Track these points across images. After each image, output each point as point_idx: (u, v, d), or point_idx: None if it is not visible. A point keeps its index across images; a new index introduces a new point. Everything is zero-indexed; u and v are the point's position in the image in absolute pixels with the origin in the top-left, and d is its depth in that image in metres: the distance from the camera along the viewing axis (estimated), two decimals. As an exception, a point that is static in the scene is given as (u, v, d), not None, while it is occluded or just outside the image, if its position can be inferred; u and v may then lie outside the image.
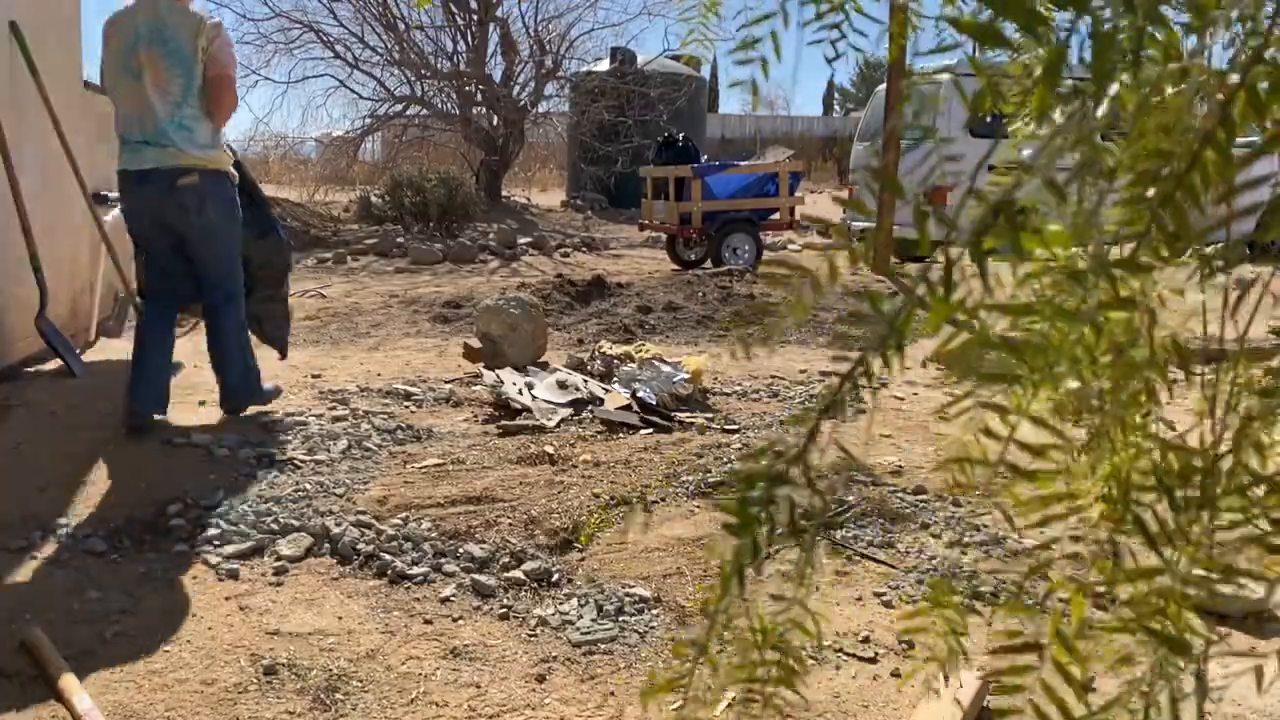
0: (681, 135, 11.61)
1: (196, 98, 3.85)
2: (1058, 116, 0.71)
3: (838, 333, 0.76)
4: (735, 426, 4.21)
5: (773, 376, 5.29)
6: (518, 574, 2.74)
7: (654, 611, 2.56)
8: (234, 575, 2.72)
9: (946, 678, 1.06)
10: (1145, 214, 0.70)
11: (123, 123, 3.92)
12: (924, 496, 3.37)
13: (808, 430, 0.76)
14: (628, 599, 2.61)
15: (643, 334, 6.60)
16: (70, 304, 5.69)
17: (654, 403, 4.40)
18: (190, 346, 6.14)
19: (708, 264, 9.96)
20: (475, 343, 5.35)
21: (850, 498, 3.28)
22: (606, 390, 4.57)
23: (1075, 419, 0.83)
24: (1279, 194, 0.75)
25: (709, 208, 10.14)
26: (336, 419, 4.22)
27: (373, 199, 14.88)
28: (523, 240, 13.04)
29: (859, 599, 2.65)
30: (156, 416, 4.00)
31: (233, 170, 4.09)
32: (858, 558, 2.90)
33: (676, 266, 10.32)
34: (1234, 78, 0.69)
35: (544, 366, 5.11)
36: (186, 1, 3.90)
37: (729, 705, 0.88)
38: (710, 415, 4.39)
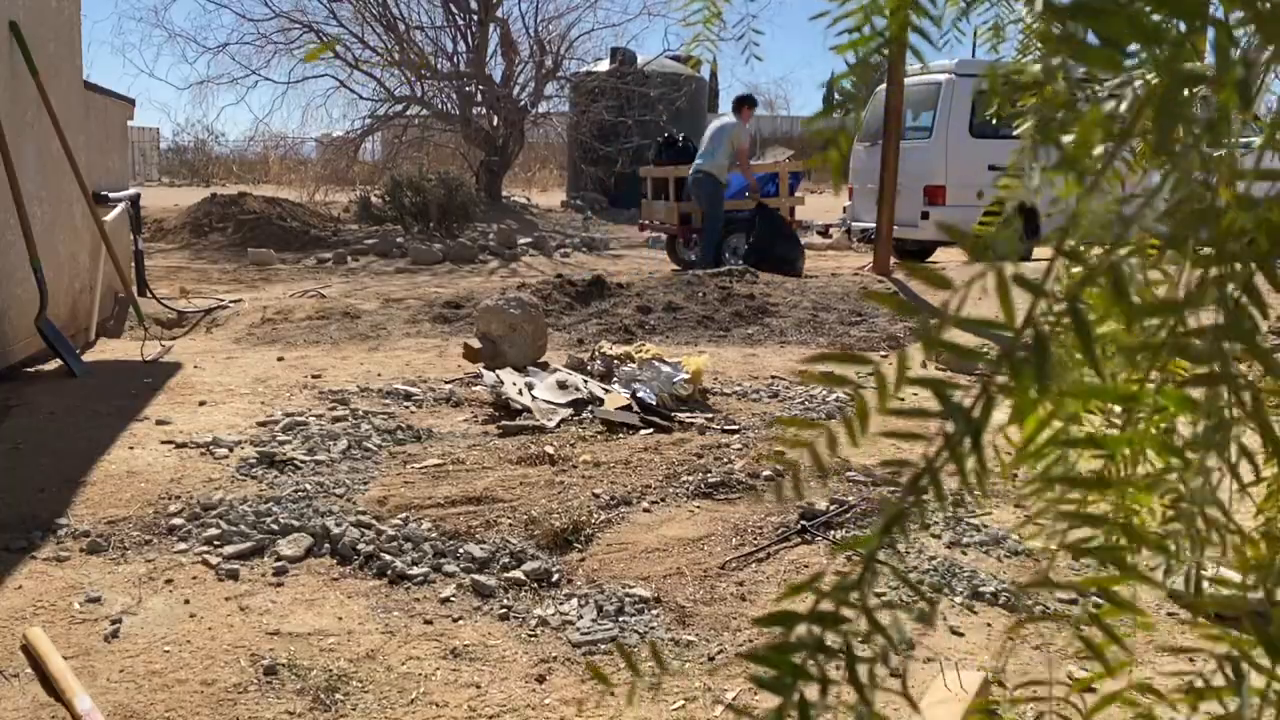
0: (681, 135, 11.61)
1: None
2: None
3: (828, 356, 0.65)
4: (735, 426, 4.21)
5: (773, 376, 5.29)
6: (518, 574, 2.74)
7: (654, 611, 2.56)
8: (234, 575, 2.72)
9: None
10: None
11: None
12: (924, 497, 3.37)
13: (866, 556, 0.60)
14: (628, 599, 2.61)
15: (643, 334, 6.59)
16: (70, 304, 5.69)
17: (654, 403, 4.40)
18: (192, 347, 6.15)
19: (708, 264, 9.96)
20: (475, 343, 5.34)
21: (850, 498, 3.29)
22: (606, 390, 4.56)
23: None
24: None
25: (709, 208, 10.13)
26: (336, 419, 4.22)
27: (373, 199, 14.88)
28: (523, 240, 13.04)
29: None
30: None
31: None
32: (857, 558, 2.89)
33: (676, 266, 10.32)
34: None
35: (544, 367, 5.11)
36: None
37: (728, 706, 0.84)
38: (710, 415, 4.39)
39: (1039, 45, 0.57)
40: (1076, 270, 0.58)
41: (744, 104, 9.91)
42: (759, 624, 0.58)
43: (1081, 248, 0.58)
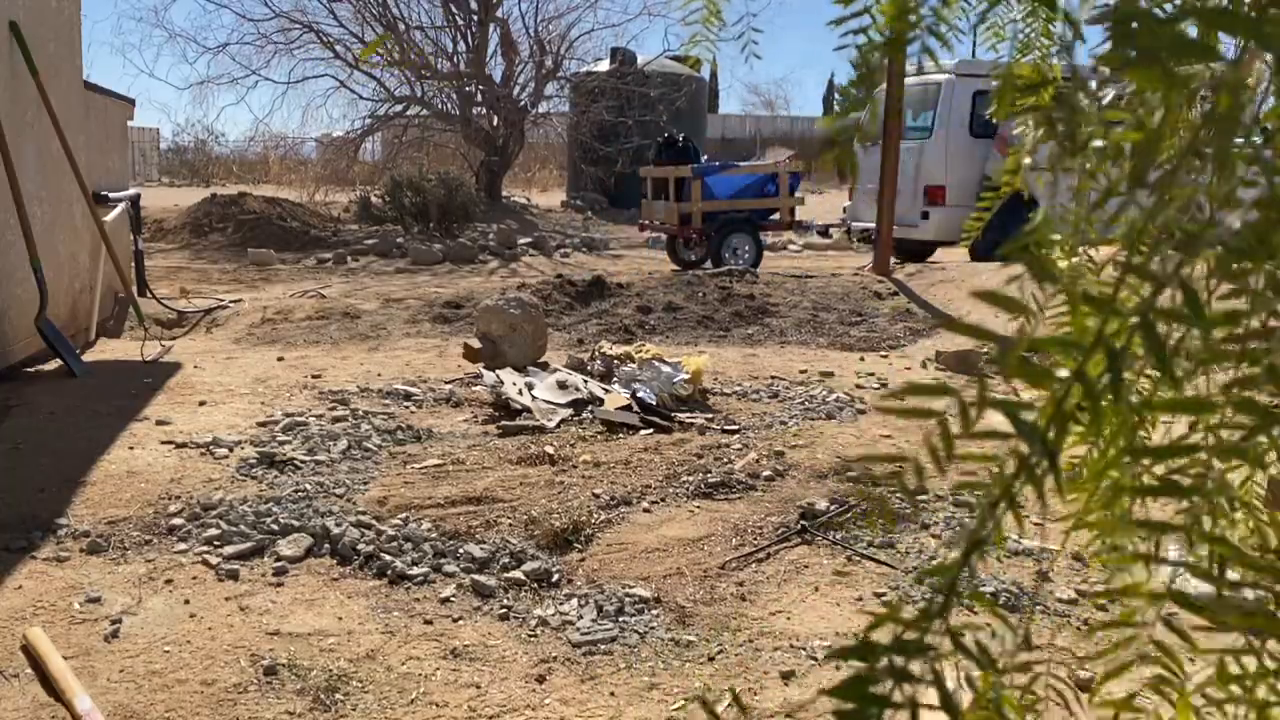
0: (681, 135, 11.61)
1: None
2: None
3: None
4: (735, 427, 4.21)
5: (773, 377, 5.29)
6: (518, 574, 2.74)
7: (654, 612, 2.56)
8: (234, 575, 2.72)
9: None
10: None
11: None
12: (924, 497, 3.37)
13: (947, 583, 0.59)
14: (628, 599, 2.61)
15: (643, 334, 6.60)
16: (70, 304, 5.69)
17: (654, 403, 4.40)
18: (192, 347, 6.14)
19: (708, 264, 9.96)
20: (475, 343, 5.35)
21: (850, 498, 3.29)
22: (606, 390, 4.56)
23: None
24: None
25: (709, 208, 10.14)
26: (336, 419, 4.22)
27: (373, 199, 14.88)
28: (523, 240, 13.04)
29: (859, 599, 2.65)
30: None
31: None
32: (858, 558, 2.90)
33: (676, 267, 10.32)
34: None
35: (544, 367, 5.11)
36: None
37: (729, 705, 0.83)
38: (710, 415, 4.39)
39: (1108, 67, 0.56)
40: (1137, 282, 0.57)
41: None
42: (834, 657, 0.60)
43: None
